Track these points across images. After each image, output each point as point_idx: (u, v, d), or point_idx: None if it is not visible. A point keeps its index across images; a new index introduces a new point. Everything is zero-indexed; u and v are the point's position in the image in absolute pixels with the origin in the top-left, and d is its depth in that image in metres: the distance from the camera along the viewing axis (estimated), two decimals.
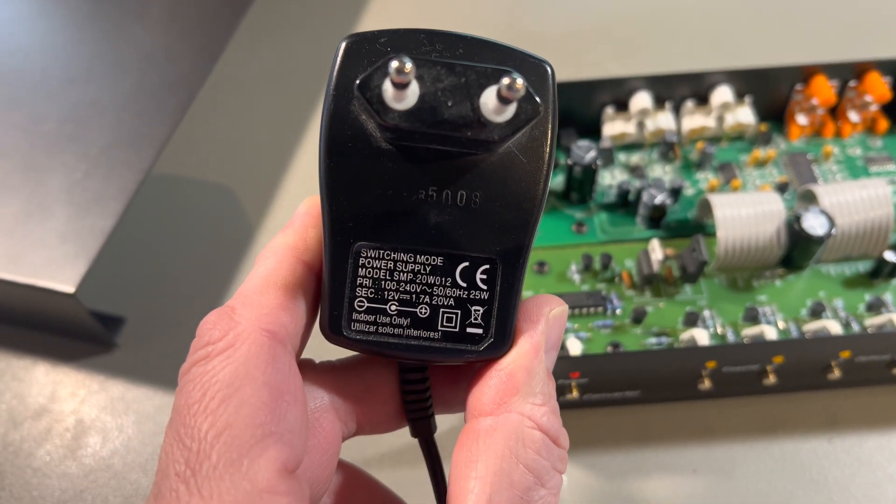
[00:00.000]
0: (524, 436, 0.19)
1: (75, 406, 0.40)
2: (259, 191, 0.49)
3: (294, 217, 0.21)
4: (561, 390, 0.36)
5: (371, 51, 0.19)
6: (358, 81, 0.18)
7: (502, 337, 0.20)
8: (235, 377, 0.17)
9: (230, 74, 0.55)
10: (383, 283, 0.20)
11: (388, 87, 0.18)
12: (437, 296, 0.20)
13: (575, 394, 0.36)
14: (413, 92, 0.18)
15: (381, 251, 0.20)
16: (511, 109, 0.18)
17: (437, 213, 0.19)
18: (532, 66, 0.19)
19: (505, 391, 0.19)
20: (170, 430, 0.17)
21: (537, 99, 0.19)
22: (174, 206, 0.49)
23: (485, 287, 0.20)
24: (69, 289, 0.37)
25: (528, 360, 0.20)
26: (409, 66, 0.17)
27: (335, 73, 0.19)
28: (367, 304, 0.20)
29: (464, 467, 0.19)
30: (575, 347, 0.37)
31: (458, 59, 0.19)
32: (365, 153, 0.19)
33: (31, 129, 0.44)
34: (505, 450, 0.19)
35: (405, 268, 0.20)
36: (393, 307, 0.20)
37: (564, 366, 0.35)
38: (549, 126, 0.19)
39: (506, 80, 0.18)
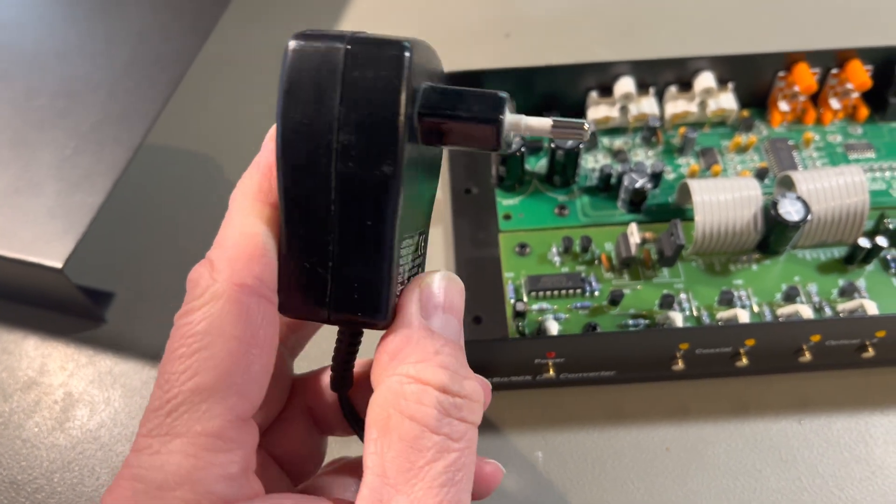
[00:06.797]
0: (403, 392, 0.20)
1: (64, 379, 0.41)
2: (247, 166, 0.49)
3: (261, 152, 0.23)
4: (538, 369, 0.37)
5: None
6: None
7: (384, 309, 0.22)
8: (209, 331, 0.19)
9: (220, 51, 0.55)
10: None
11: None
12: None
13: (551, 373, 0.37)
14: None
15: None
16: None
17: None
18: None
19: (385, 362, 0.21)
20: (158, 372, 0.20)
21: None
22: (163, 181, 0.49)
23: None
24: (57, 264, 0.38)
25: (401, 328, 0.21)
26: None
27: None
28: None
29: (367, 438, 0.20)
30: (552, 328, 0.38)
31: None
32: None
33: (23, 105, 0.44)
34: (387, 409, 0.19)
35: None
36: None
37: (542, 346, 0.35)
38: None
39: None
